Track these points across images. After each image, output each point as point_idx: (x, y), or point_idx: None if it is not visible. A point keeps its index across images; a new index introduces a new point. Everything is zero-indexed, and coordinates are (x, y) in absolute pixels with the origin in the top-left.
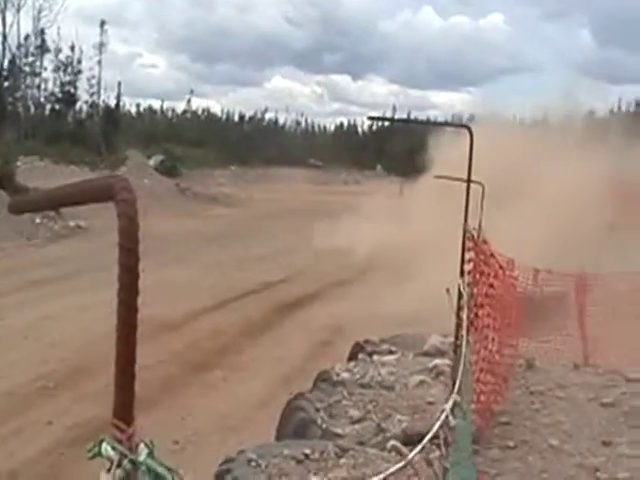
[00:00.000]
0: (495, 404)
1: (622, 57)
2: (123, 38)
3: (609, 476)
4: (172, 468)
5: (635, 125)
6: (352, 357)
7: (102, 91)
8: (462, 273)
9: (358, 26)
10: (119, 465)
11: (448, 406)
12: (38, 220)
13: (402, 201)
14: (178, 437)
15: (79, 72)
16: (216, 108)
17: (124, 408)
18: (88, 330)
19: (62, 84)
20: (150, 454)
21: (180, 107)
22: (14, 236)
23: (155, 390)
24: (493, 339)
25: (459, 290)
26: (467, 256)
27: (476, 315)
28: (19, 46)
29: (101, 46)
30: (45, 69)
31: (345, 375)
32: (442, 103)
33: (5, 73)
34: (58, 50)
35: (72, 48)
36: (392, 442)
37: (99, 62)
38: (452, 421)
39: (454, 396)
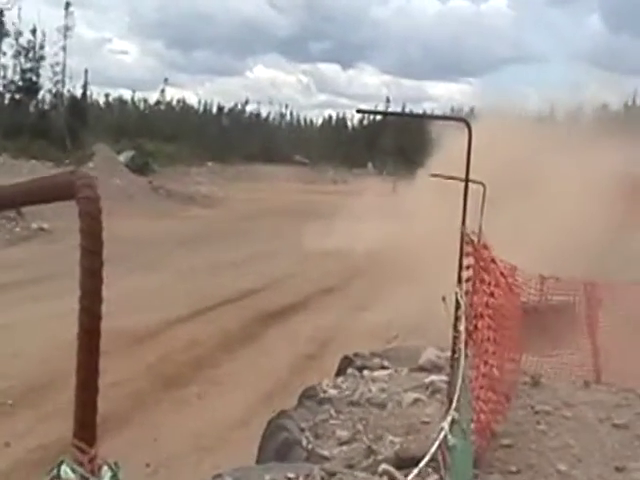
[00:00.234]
0: (496, 424)
1: (637, 45)
2: (91, 21)
3: None
4: None
5: None
6: (340, 372)
7: (67, 80)
8: (460, 280)
9: (348, 11)
10: None
11: (446, 424)
12: None
13: (395, 201)
14: (150, 459)
15: (42, 58)
16: (192, 99)
17: (86, 427)
18: (52, 340)
19: (23, 71)
20: (114, 477)
21: (153, 98)
22: None
23: (125, 407)
24: (494, 353)
25: (456, 299)
26: (465, 262)
27: (475, 327)
28: None
29: (66, 30)
30: (4, 54)
31: (332, 392)
32: (439, 95)
33: None
34: (18, 34)
35: (34, 32)
36: (384, 466)
37: (64, 48)
38: (451, 440)
39: (452, 413)
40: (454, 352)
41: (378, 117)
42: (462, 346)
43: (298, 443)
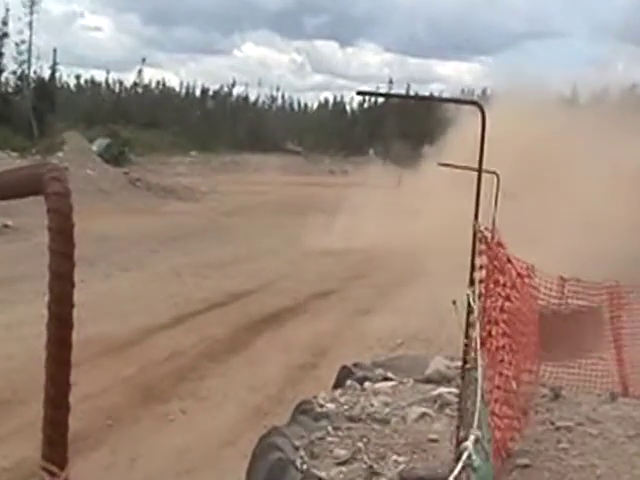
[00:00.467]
0: (512, 442)
1: None
2: None
3: None
4: None
5: None
6: (339, 384)
7: (33, 60)
8: (472, 282)
9: None
10: None
11: (470, 443)
12: None
13: (400, 194)
14: None
15: (5, 36)
16: (173, 81)
17: (56, 447)
18: (18, 352)
19: None
20: None
21: (129, 79)
22: None
23: (98, 425)
24: (510, 363)
25: (468, 303)
26: (478, 262)
27: (489, 334)
28: None
29: (32, 4)
30: None
31: (330, 406)
32: (448, 75)
33: None
34: None
35: None
36: None
37: (30, 24)
38: (476, 460)
39: (475, 431)
40: (465, 362)
41: (380, 100)
42: (476, 355)
43: (292, 463)
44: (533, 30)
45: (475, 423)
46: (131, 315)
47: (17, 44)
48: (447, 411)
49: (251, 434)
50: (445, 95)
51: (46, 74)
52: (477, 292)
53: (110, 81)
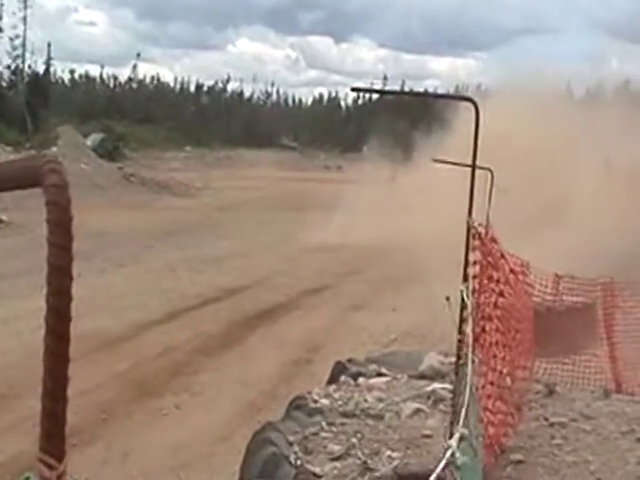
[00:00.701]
0: (506, 438)
1: None
2: None
3: None
4: None
5: None
6: (333, 380)
7: (28, 54)
8: (465, 278)
9: None
10: None
11: (454, 442)
12: None
13: (395, 190)
14: (120, 477)
15: None
16: (168, 76)
17: (53, 440)
18: (14, 347)
19: None
20: None
21: (124, 75)
22: None
23: (92, 420)
24: (503, 359)
25: (462, 299)
26: (472, 257)
27: (482, 329)
28: None
29: None
30: None
31: (324, 401)
32: (442, 71)
33: None
34: None
35: None
36: None
37: (24, 18)
38: (460, 458)
39: (460, 429)
40: (459, 357)
41: (375, 96)
42: (469, 351)
43: (286, 458)
44: (527, 26)
45: (461, 420)
46: (125, 310)
47: (11, 39)
48: (441, 407)
49: (245, 429)
50: (440, 91)
51: (40, 69)
52: (471, 288)
53: (104, 76)
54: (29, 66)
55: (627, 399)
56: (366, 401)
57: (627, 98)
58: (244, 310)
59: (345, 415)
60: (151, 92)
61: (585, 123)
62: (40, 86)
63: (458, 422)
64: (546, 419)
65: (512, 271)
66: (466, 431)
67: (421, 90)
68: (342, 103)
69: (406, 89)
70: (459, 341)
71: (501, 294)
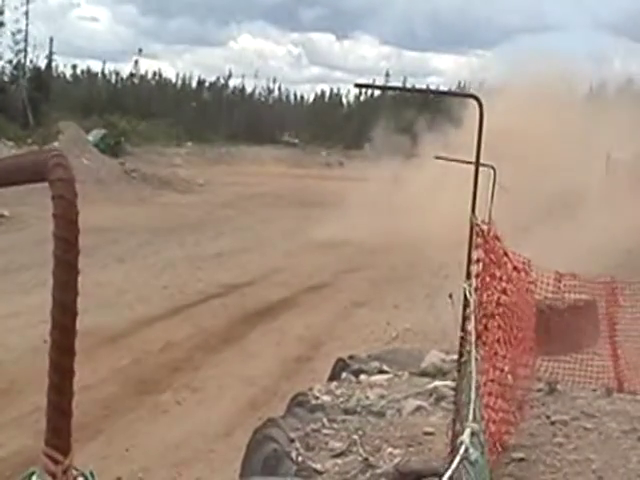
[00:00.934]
0: (507, 436)
1: None
2: None
3: None
4: None
5: None
6: (334, 376)
7: (30, 49)
8: (468, 276)
9: None
10: None
11: (467, 437)
12: None
13: (396, 187)
14: (121, 472)
15: (1, 25)
16: (170, 72)
17: (59, 434)
18: (16, 342)
19: None
20: None
21: (126, 70)
22: None
23: (93, 415)
24: (505, 356)
25: (465, 296)
26: (474, 255)
27: (485, 327)
28: None
29: None
30: None
31: (325, 398)
32: (445, 68)
33: None
34: None
35: None
36: None
37: (26, 13)
38: (473, 453)
39: (471, 424)
40: (461, 355)
41: (377, 93)
42: (471, 348)
43: (287, 455)
44: (530, 24)
45: (471, 416)
46: (126, 306)
47: (13, 33)
48: (443, 404)
49: (246, 426)
50: (442, 88)
51: (42, 64)
52: (473, 286)
53: (106, 71)
54: (31, 61)
55: (629, 398)
56: (367, 398)
57: (630, 96)
58: (245, 306)
59: (346, 412)
60: (153, 88)
61: (588, 121)
62: (42, 81)
63: (462, 419)
64: (548, 417)
65: (515, 269)
66: (477, 426)
67: (424, 87)
68: (344, 100)
69: (408, 86)
70: (461, 339)
71: (504, 292)
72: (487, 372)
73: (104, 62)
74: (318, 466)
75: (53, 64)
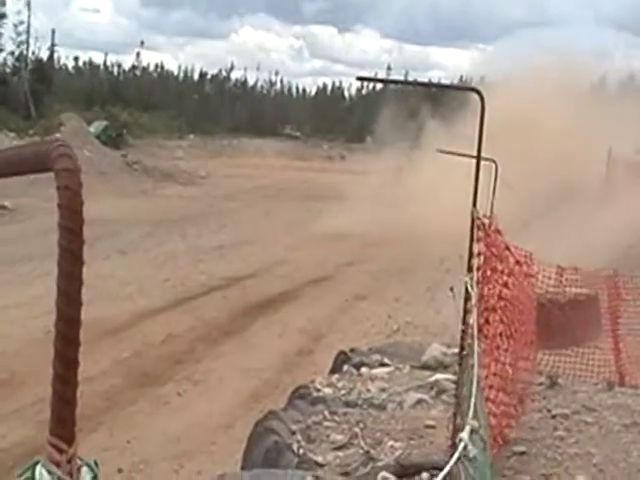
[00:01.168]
0: (508, 429)
1: None
2: None
3: None
4: None
5: None
6: (335, 369)
7: (32, 41)
8: (470, 269)
9: None
10: None
11: (466, 434)
12: None
13: (399, 180)
14: (123, 464)
15: (3, 17)
16: (172, 64)
17: (64, 423)
18: (17, 333)
19: None
20: (95, 479)
21: (128, 62)
22: None
23: (94, 407)
24: (506, 350)
25: (466, 290)
26: (476, 248)
27: (486, 321)
28: None
29: None
30: None
31: (327, 391)
32: (447, 62)
33: None
34: None
35: None
36: (383, 474)
37: (28, 5)
38: (472, 450)
39: (470, 421)
40: (462, 348)
41: (379, 86)
42: (473, 341)
43: (288, 447)
44: (531, 18)
45: (471, 412)
46: (128, 298)
47: (15, 25)
48: (444, 397)
49: (247, 418)
50: (444, 82)
51: (44, 55)
52: (475, 279)
53: (108, 63)
54: (33, 52)
55: (630, 392)
56: (369, 391)
57: (632, 91)
58: (247, 299)
59: (348, 405)
60: (155, 80)
61: (590, 116)
62: (44, 73)
63: (463, 412)
64: (549, 411)
65: (517, 262)
66: (476, 423)
67: (425, 81)
68: (346, 93)
69: (410, 79)
70: (463, 332)
71: (505, 285)
72: (488, 365)
73: (106, 54)
74: (319, 458)
75: (55, 56)
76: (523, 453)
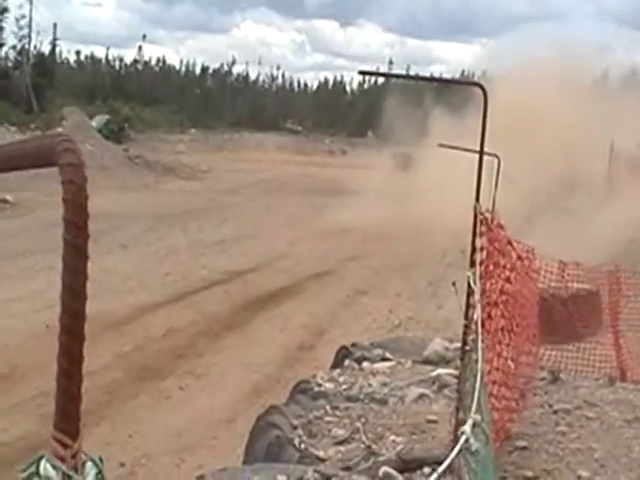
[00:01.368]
0: (510, 424)
1: None
2: None
3: None
4: None
5: None
6: (337, 364)
7: (34, 35)
8: (472, 264)
9: None
10: None
11: (468, 427)
12: None
13: (400, 175)
14: (125, 459)
15: (5, 10)
16: (173, 58)
17: (68, 418)
18: (19, 327)
19: None
20: (99, 474)
21: (129, 56)
22: None
23: (96, 401)
24: (508, 345)
25: (468, 284)
26: (478, 243)
27: (488, 315)
28: None
29: None
30: None
31: (328, 385)
32: (449, 57)
33: None
34: None
35: None
36: (385, 468)
37: None
38: (474, 444)
39: (473, 415)
40: (464, 343)
41: (380, 81)
42: (476, 336)
43: (290, 442)
44: (533, 12)
45: (474, 407)
46: (130, 292)
47: (17, 19)
48: (445, 392)
49: (249, 412)
50: (446, 76)
51: (46, 49)
52: (477, 274)
53: (110, 57)
54: (35, 47)
55: (632, 387)
56: (370, 386)
57: (634, 85)
58: (248, 294)
59: (349, 399)
60: (156, 74)
61: (592, 110)
62: (46, 67)
63: (464, 408)
64: (550, 406)
65: (519, 257)
66: (478, 417)
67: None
68: (347, 87)
69: (412, 74)
70: (465, 327)
71: (507, 280)
72: (491, 360)
73: (108, 48)
74: (321, 453)
75: (57, 50)
76: (525, 448)
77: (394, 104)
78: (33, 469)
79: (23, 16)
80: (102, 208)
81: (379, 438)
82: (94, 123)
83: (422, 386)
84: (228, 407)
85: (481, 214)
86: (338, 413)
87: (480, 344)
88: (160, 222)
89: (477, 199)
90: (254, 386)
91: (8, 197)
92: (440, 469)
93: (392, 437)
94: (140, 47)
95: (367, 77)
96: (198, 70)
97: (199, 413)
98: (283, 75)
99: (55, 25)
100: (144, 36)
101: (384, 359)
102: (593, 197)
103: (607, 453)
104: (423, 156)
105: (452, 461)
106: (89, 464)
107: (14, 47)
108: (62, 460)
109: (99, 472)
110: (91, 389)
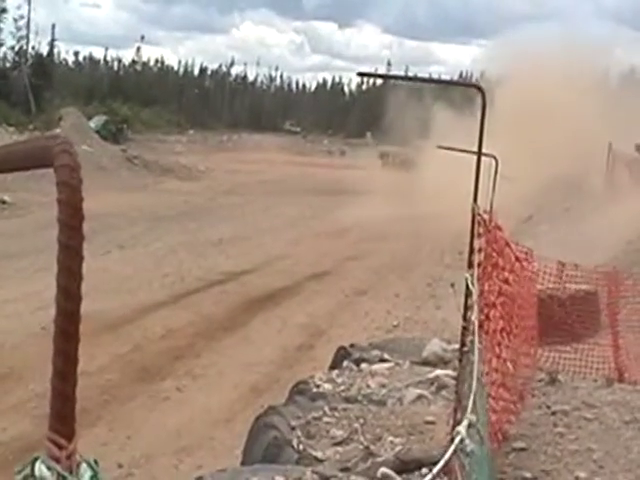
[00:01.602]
0: (508, 425)
1: None
2: None
3: None
4: None
5: None
6: (335, 365)
7: (32, 35)
8: (470, 265)
9: None
10: None
11: (463, 428)
12: None
13: (399, 177)
14: (123, 459)
15: (3, 11)
16: (172, 59)
17: (63, 419)
18: (14, 328)
19: None
20: (94, 477)
21: (128, 57)
22: None
23: (94, 402)
24: (507, 346)
25: (467, 286)
26: (477, 244)
27: (487, 317)
28: None
29: None
30: None
31: (327, 386)
32: (447, 58)
33: None
34: None
35: None
36: (383, 469)
37: None
38: (469, 444)
39: (468, 416)
40: (463, 344)
41: (379, 82)
42: (474, 338)
43: (288, 443)
44: (532, 13)
45: (469, 407)
46: (127, 292)
47: (15, 19)
48: (444, 393)
49: (247, 413)
50: (445, 78)
51: (44, 50)
52: (475, 275)
53: (108, 58)
54: (33, 47)
55: (630, 388)
56: (369, 387)
57: (633, 85)
58: (246, 294)
59: (347, 400)
60: (155, 75)
61: (591, 110)
62: (44, 67)
63: (463, 409)
64: (549, 407)
65: (517, 259)
66: (474, 418)
67: (425, 76)
68: (346, 88)
69: (411, 75)
70: (464, 328)
71: (505, 281)
72: (489, 361)
73: (106, 48)
74: (319, 454)
75: (55, 50)
76: (523, 449)
77: (393, 105)
78: (28, 470)
79: (21, 17)
80: (100, 208)
81: (377, 439)
82: (92, 124)
83: (420, 387)
84: (226, 408)
85: (479, 215)
86: (336, 414)
87: (477, 345)
88: (158, 223)
89: (475, 200)
90: (252, 387)
91: (6, 197)
92: (435, 470)
93: (390, 438)
94: (138, 48)
95: (366, 78)
96: (197, 71)
97: (197, 414)
98: (282, 76)
99: (53, 26)
100: (142, 37)
101: (382, 360)
102: (592, 198)
103: (605, 454)
104: (423, 156)
105: (448, 462)
106: (84, 466)
107: (12, 48)
108: (57, 461)
109: (94, 474)
110: (89, 389)
